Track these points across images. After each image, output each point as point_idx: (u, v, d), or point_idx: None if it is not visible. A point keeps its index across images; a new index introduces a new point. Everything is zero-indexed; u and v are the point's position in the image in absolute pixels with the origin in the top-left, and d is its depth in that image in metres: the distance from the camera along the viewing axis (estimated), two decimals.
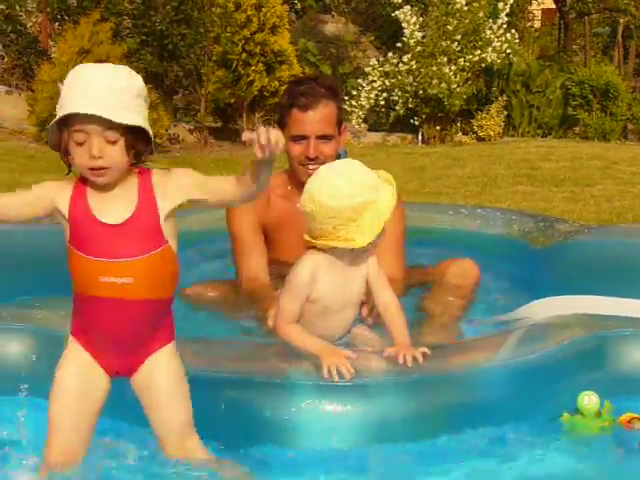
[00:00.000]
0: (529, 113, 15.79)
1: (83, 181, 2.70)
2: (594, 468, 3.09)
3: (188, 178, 2.72)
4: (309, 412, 3.04)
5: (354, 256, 3.30)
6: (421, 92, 14.35)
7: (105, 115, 2.56)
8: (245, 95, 12.98)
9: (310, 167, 3.99)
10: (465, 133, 15.11)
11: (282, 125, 4.16)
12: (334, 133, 4.10)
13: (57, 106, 2.65)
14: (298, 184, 3.97)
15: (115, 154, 2.62)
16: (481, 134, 14.94)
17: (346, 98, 14.26)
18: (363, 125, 14.95)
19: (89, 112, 2.56)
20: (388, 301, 3.39)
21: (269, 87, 12.91)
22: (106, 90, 2.60)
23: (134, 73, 2.71)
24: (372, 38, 18.42)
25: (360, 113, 14.68)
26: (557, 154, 12.81)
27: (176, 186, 2.70)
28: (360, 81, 14.85)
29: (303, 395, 3.06)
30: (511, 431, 3.19)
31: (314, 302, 3.29)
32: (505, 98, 15.45)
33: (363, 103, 14.68)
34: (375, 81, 14.68)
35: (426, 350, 3.20)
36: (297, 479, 2.93)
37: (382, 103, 14.90)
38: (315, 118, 4.06)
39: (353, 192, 3.14)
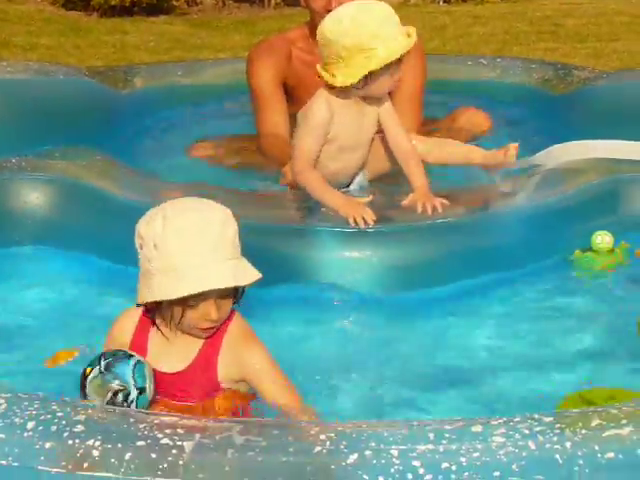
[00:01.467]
0: None
1: (146, 322, 2.41)
2: (602, 301, 3.16)
3: (257, 363, 2.34)
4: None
5: (364, 97, 3.33)
6: None
7: (237, 282, 2.27)
8: None
9: None
10: None
11: None
12: None
13: (151, 263, 2.26)
14: None
15: (227, 308, 2.33)
16: None
17: None
18: None
19: (225, 285, 2.25)
20: (404, 145, 3.40)
21: None
22: (227, 246, 2.26)
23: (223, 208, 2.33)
24: None
25: None
26: (581, 10, 12.53)
27: (240, 364, 2.35)
28: None
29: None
30: (525, 271, 3.26)
31: (330, 142, 3.31)
32: None
33: None
34: None
35: (444, 200, 3.22)
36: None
37: None
38: None
39: (349, 32, 3.17)
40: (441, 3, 14.39)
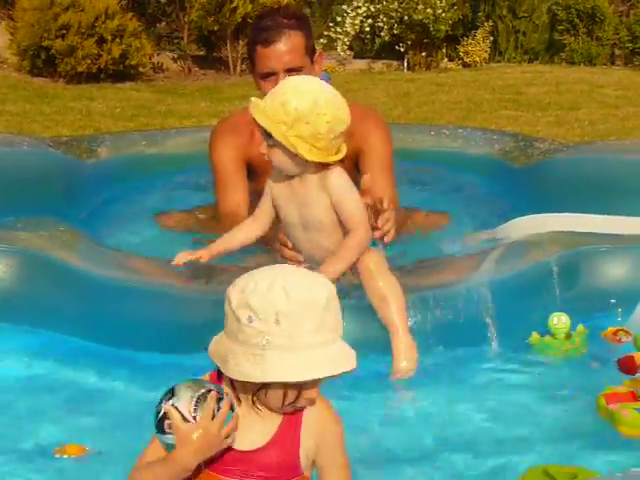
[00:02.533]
0: (515, 39, 15.67)
1: None
2: (558, 388, 3.13)
3: (333, 437, 2.20)
4: None
5: (304, 172, 3.18)
6: (406, 18, 14.22)
7: (354, 363, 2.09)
8: (229, 22, 12.85)
9: None
10: (451, 59, 15.01)
11: (253, 64, 4.00)
12: (303, 64, 3.90)
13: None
14: None
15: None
16: (467, 60, 14.84)
17: (331, 25, 14.16)
18: (348, 52, 14.84)
19: (352, 367, 2.08)
20: (349, 228, 3.19)
21: (252, 14, 12.76)
22: (341, 321, 2.11)
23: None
24: None
25: (345, 40, 14.56)
26: (543, 79, 12.76)
27: (320, 435, 2.18)
28: (345, 7, 14.71)
29: None
30: (480, 351, 3.26)
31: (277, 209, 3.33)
32: (491, 23, 15.33)
33: (348, 30, 14.54)
34: (360, 7, 14.53)
35: None
36: None
37: (367, 30, 14.76)
38: (280, 52, 3.86)
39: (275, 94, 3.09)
40: (405, 71, 14.60)
